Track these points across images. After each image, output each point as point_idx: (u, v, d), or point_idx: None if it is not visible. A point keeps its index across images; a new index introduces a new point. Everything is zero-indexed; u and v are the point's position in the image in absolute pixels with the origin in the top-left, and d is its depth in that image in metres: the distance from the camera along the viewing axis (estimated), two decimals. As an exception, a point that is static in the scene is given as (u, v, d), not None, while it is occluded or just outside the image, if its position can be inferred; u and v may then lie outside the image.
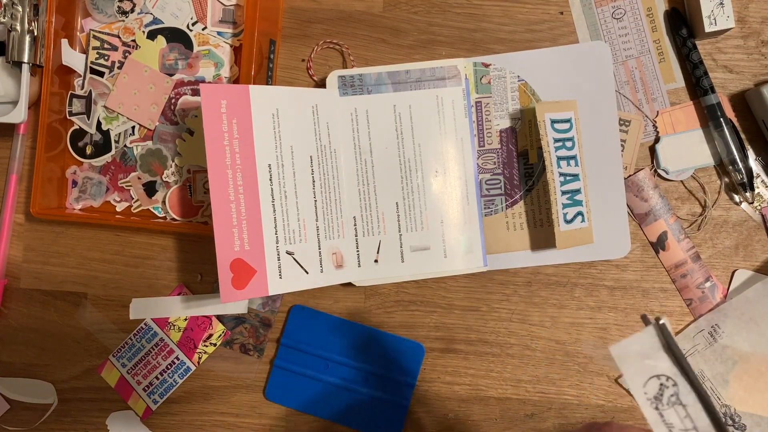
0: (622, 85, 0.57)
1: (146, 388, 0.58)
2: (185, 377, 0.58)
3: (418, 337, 0.58)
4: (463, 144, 0.57)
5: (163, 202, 0.58)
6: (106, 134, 0.58)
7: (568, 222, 0.54)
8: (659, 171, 0.57)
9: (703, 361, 0.56)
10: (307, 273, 0.53)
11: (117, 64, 0.58)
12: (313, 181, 0.54)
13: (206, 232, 0.55)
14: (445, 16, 0.58)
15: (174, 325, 0.58)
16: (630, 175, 0.57)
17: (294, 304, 0.58)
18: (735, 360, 0.56)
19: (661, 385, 0.36)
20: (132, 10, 0.58)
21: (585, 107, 0.56)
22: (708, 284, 0.57)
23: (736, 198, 0.57)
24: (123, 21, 0.58)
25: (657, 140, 0.57)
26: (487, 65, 0.57)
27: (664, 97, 0.57)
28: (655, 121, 0.57)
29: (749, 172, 0.56)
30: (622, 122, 0.57)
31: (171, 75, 0.57)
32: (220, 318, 0.58)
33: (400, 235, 0.56)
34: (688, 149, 0.57)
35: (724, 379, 0.56)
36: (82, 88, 0.58)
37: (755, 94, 0.55)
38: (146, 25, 0.57)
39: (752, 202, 0.57)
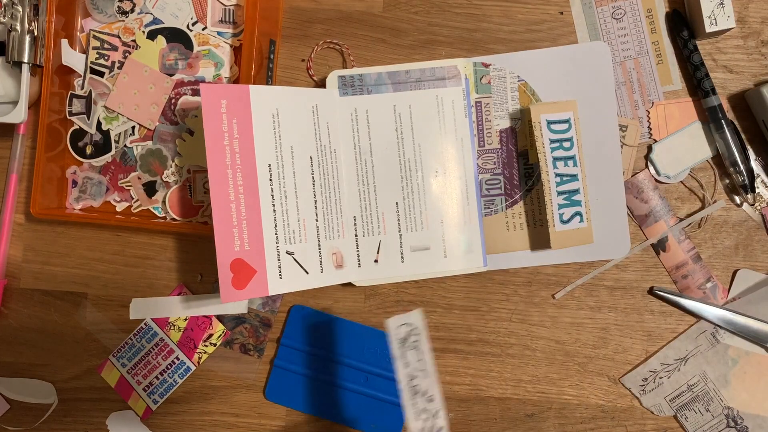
0: (618, 86, 0.57)
1: (146, 388, 0.58)
2: (185, 377, 0.58)
3: (418, 337, 0.58)
4: (463, 144, 0.57)
5: (163, 202, 0.58)
6: (106, 134, 0.58)
7: (564, 222, 0.54)
8: (660, 178, 0.57)
9: (706, 362, 0.56)
10: (307, 273, 0.53)
11: (117, 64, 0.58)
12: (313, 181, 0.54)
13: (206, 232, 0.55)
14: (445, 16, 0.58)
15: (174, 325, 0.58)
16: (630, 177, 0.57)
17: (294, 304, 0.58)
18: (735, 359, 0.56)
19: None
20: (132, 10, 0.58)
21: (585, 107, 0.56)
22: (709, 285, 0.57)
23: (737, 200, 0.57)
24: (123, 21, 0.58)
25: (650, 149, 0.57)
26: (487, 65, 0.57)
27: (661, 100, 0.57)
28: (649, 120, 0.57)
29: (750, 173, 0.55)
30: (619, 127, 0.57)
31: (171, 75, 0.57)
32: (220, 318, 0.58)
33: (400, 235, 0.56)
34: (682, 149, 0.57)
35: (726, 379, 0.56)
36: (82, 88, 0.58)
37: (755, 94, 0.55)
38: (146, 25, 0.57)
39: (753, 204, 0.57)
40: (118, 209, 0.58)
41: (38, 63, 0.55)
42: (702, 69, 0.56)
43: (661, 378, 0.57)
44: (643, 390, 0.57)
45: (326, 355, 0.57)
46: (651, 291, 0.57)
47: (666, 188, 0.57)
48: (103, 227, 0.59)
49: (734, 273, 0.57)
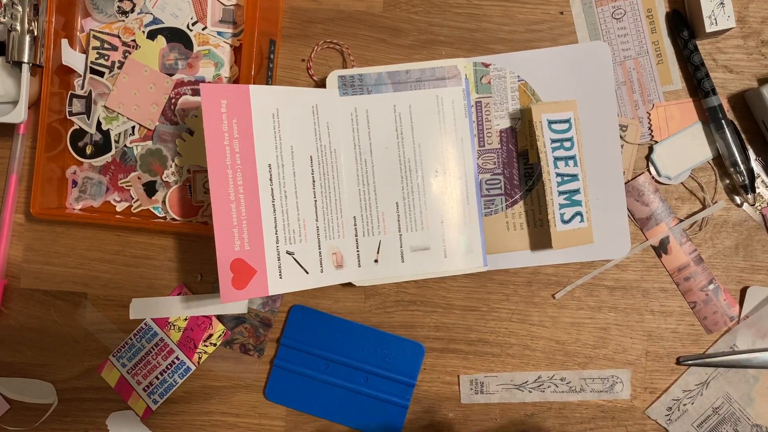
0: (618, 86, 0.57)
1: (146, 388, 0.58)
2: (185, 377, 0.58)
3: (418, 337, 0.58)
4: (463, 144, 0.57)
5: (163, 202, 0.58)
6: (106, 134, 0.58)
7: (565, 222, 0.54)
8: (660, 179, 0.57)
9: (727, 383, 0.56)
10: (308, 273, 0.53)
11: (117, 64, 0.58)
12: (313, 181, 0.54)
13: (206, 232, 0.55)
14: (445, 16, 0.58)
15: (174, 325, 0.58)
16: (630, 180, 0.57)
17: (294, 304, 0.58)
18: (756, 377, 0.56)
19: None
20: (132, 10, 0.58)
21: (585, 107, 0.56)
22: (711, 286, 0.57)
23: (737, 200, 0.57)
24: (123, 21, 0.58)
25: (651, 150, 0.57)
26: (487, 65, 0.57)
27: (661, 100, 0.57)
28: (650, 121, 0.57)
29: (750, 173, 0.55)
30: (619, 127, 0.57)
31: (171, 75, 0.57)
32: (220, 318, 0.58)
33: (400, 235, 0.56)
34: (683, 150, 0.57)
35: (750, 397, 0.56)
36: (82, 88, 0.58)
37: (755, 95, 0.55)
38: (146, 25, 0.57)
39: (753, 204, 0.57)
40: (118, 209, 0.58)
41: (38, 63, 0.55)
42: (702, 69, 0.56)
43: (684, 405, 0.56)
44: (669, 420, 0.57)
45: (326, 355, 0.57)
46: (679, 362, 0.57)
47: (666, 189, 0.57)
48: (103, 227, 0.59)
49: (743, 290, 0.57)
